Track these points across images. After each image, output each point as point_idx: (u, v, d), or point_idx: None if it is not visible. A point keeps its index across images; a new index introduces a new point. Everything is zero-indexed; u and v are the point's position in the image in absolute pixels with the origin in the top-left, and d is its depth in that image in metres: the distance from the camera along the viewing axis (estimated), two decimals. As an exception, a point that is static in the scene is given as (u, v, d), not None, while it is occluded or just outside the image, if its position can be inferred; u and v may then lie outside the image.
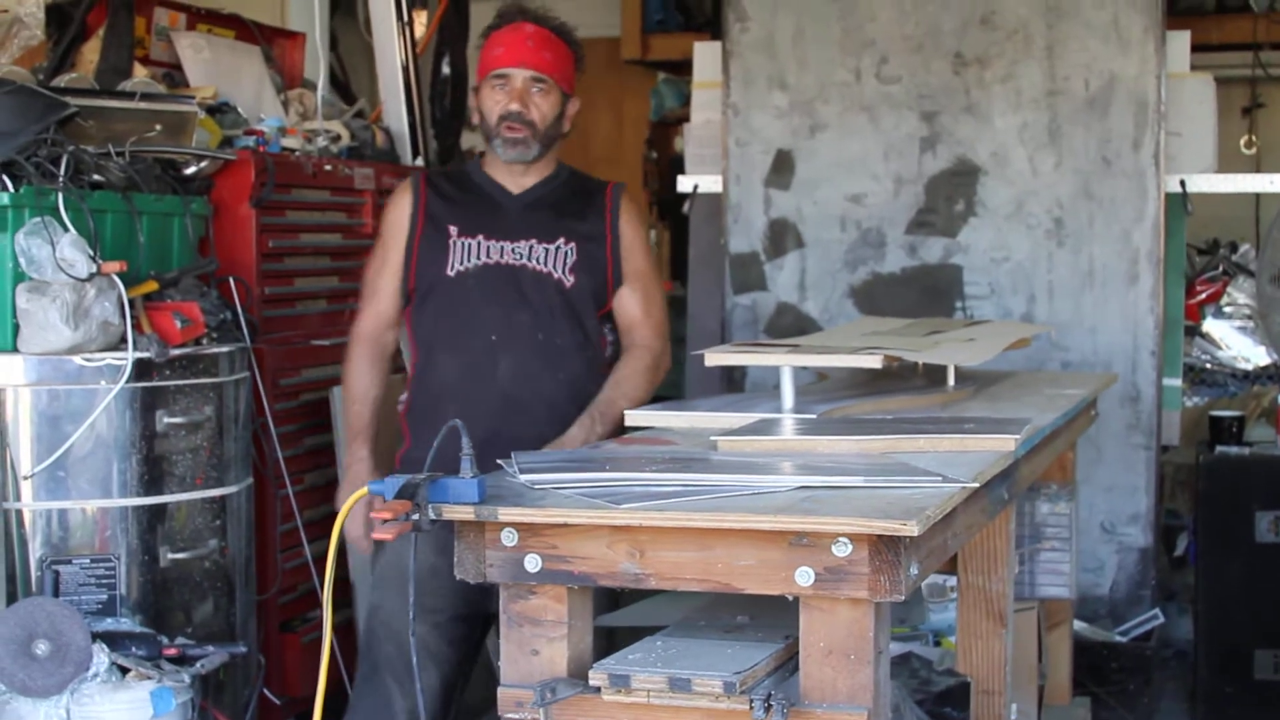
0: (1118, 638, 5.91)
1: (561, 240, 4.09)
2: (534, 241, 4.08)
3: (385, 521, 2.44)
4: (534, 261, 4.06)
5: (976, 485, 2.75)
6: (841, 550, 2.45)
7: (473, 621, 3.96)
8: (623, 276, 4.17)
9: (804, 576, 2.48)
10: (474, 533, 2.63)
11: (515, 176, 4.13)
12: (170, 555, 4.28)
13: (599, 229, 4.16)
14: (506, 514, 2.56)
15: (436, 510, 2.54)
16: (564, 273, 4.08)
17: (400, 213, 4.13)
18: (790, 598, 2.52)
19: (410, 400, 4.13)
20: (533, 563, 2.61)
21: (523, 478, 2.75)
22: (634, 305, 4.22)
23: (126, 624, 4.13)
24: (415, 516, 2.49)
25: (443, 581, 3.71)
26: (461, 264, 4.04)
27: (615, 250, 4.16)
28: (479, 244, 4.05)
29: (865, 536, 2.43)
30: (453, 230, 4.06)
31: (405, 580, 3.64)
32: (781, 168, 6.23)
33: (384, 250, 4.15)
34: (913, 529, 2.37)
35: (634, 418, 3.67)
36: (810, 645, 2.52)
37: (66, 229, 4.18)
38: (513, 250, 4.06)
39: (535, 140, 4.06)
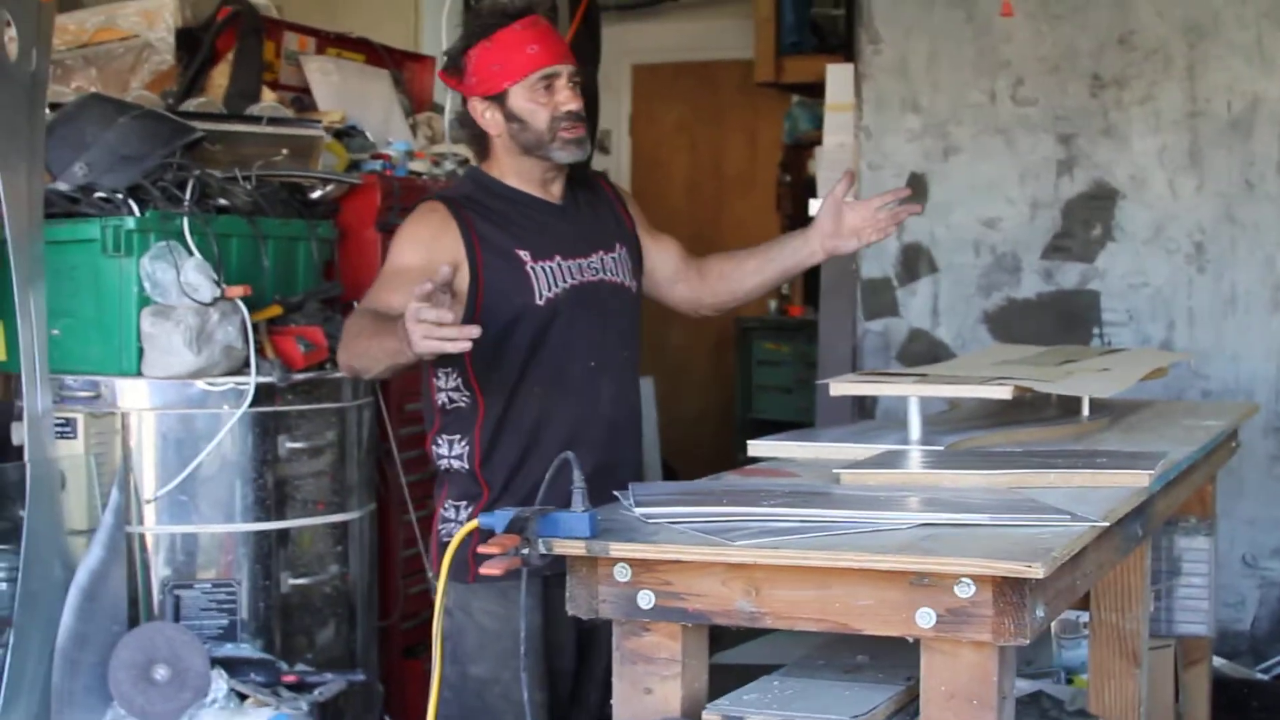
0: (1259, 676, 5.74)
1: (617, 245, 3.82)
2: (601, 253, 3.76)
3: (494, 556, 2.38)
4: (608, 274, 3.76)
5: (1107, 524, 2.65)
6: (964, 591, 2.35)
7: (576, 675, 3.74)
8: (644, 247, 3.93)
9: (925, 618, 2.39)
10: (586, 568, 2.56)
11: (545, 185, 3.73)
12: (291, 581, 4.27)
13: (622, 221, 3.90)
14: (619, 549, 2.50)
15: (547, 545, 2.48)
16: (630, 279, 3.83)
17: (445, 241, 3.57)
18: (911, 639, 2.44)
19: (484, 449, 3.63)
20: (646, 599, 2.54)
21: (637, 511, 2.69)
22: (674, 248, 4.02)
23: (246, 650, 4.12)
24: (525, 551, 2.43)
25: (551, 635, 3.62)
26: (549, 290, 3.63)
27: (636, 235, 3.91)
28: (558, 266, 3.66)
29: (989, 578, 2.34)
30: (524, 256, 3.62)
31: (514, 645, 3.53)
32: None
33: (408, 258, 3.56)
34: (1038, 571, 2.27)
35: (756, 448, 3.59)
36: (931, 689, 2.43)
37: (191, 253, 4.20)
38: (589, 267, 3.72)
39: (589, 137, 3.73)
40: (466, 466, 3.66)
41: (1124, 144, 5.91)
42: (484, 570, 2.38)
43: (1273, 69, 5.74)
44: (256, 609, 4.21)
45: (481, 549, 2.40)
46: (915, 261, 6.15)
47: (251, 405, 4.17)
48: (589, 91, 6.78)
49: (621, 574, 2.54)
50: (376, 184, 4.87)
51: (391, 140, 5.33)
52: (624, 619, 2.58)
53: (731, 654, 3.36)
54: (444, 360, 3.57)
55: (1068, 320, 5.99)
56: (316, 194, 4.76)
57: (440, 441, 3.71)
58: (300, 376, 4.27)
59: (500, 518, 2.47)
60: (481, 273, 3.57)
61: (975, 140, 6.07)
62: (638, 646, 2.60)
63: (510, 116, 3.63)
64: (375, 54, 5.79)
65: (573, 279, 3.68)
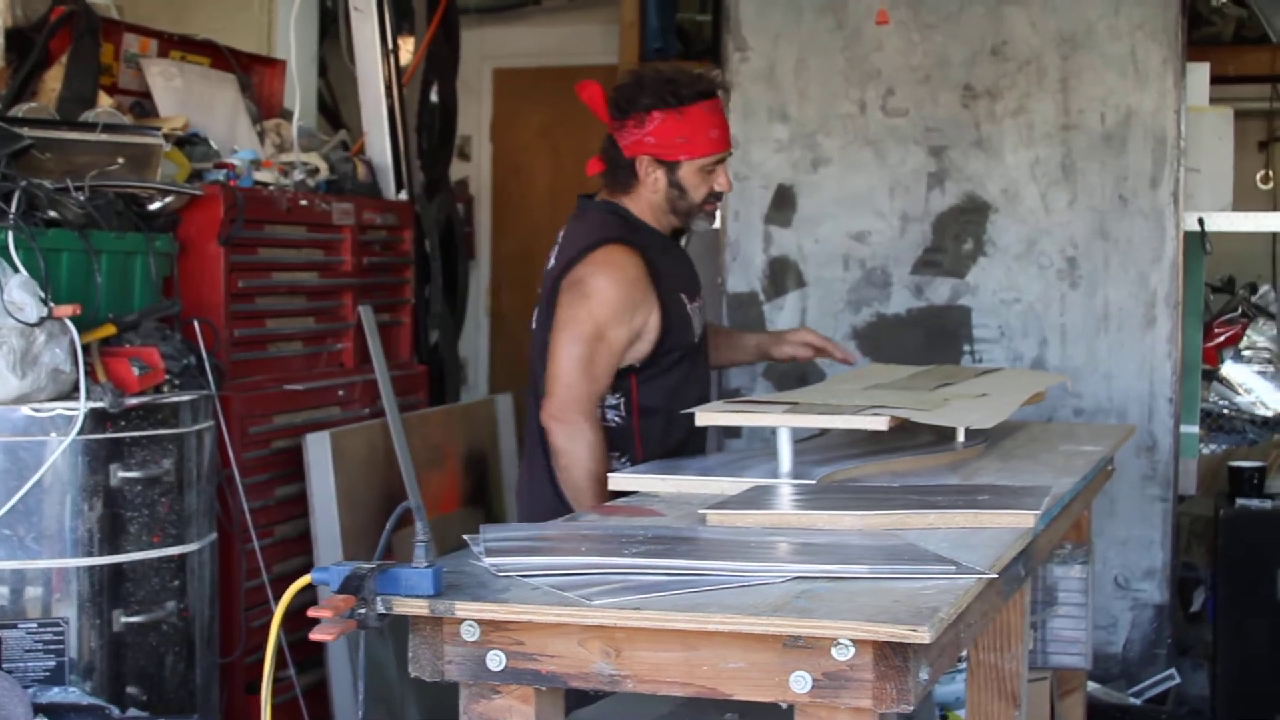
0: (1132, 700, 5.63)
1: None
2: (701, 297, 4.20)
3: (326, 620, 2.16)
4: (706, 315, 4.22)
5: (994, 576, 2.47)
6: (842, 654, 2.16)
7: None
8: None
9: (800, 682, 2.20)
10: (430, 626, 2.35)
11: (668, 228, 4.11)
12: (125, 618, 4.01)
13: None
14: (465, 609, 2.28)
15: (386, 604, 2.26)
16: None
17: (638, 286, 3.90)
18: (784, 705, 2.24)
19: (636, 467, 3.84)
20: (496, 660, 2.33)
21: (487, 561, 2.47)
22: None
23: (75, 694, 3.85)
24: (362, 611, 2.21)
25: None
26: (699, 329, 4.07)
27: None
28: (698, 308, 4.09)
29: (870, 641, 2.15)
30: (684, 297, 4.03)
31: None
32: (782, 204, 5.96)
33: (614, 327, 3.88)
34: (924, 635, 2.09)
35: (616, 481, 3.40)
36: (806, 759, 2.24)
37: (16, 269, 3.92)
38: (702, 309, 4.16)
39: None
40: None
41: (996, 157, 5.78)
42: (315, 636, 2.16)
43: (1146, 82, 5.63)
44: (86, 649, 3.94)
45: (313, 612, 2.17)
46: (782, 275, 5.98)
47: (81, 432, 3.90)
48: (447, 99, 6.60)
49: (469, 633, 2.33)
50: (218, 195, 4.62)
51: (237, 149, 5.07)
52: (472, 681, 2.37)
53: (588, 712, 3.15)
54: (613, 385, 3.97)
55: (938, 336, 5.85)
56: (155, 205, 4.50)
57: None
58: (134, 401, 4.01)
59: (335, 574, 2.25)
60: (663, 313, 3.93)
61: (845, 151, 5.91)
62: (487, 710, 2.39)
63: (674, 183, 4.00)
64: (221, 58, 5.52)
65: (703, 319, 4.16)
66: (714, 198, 4.06)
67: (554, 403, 3.87)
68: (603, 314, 3.86)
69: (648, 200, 4.03)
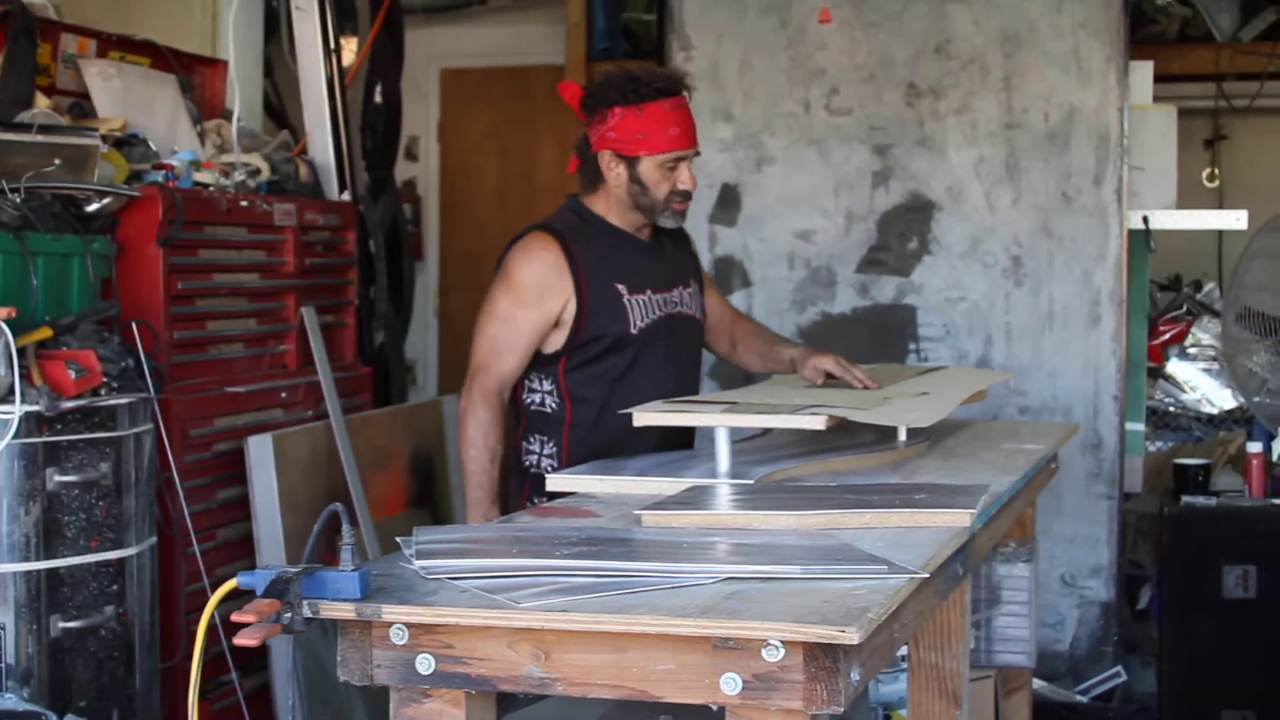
0: (1078, 698, 5.64)
1: (690, 281, 4.28)
2: (680, 288, 4.21)
3: (250, 625, 2.13)
4: (684, 307, 4.21)
5: (926, 575, 2.46)
6: (772, 655, 2.15)
7: None
8: (704, 288, 4.41)
9: (730, 684, 2.18)
10: (359, 629, 2.33)
11: (639, 229, 4.14)
12: (62, 624, 3.97)
13: (693, 258, 4.40)
14: (392, 612, 2.26)
15: (313, 607, 2.24)
16: (698, 311, 4.29)
17: (552, 271, 3.99)
18: (715, 707, 2.23)
19: (567, 457, 4.00)
20: (425, 664, 2.31)
21: (417, 564, 2.45)
22: (717, 302, 4.49)
23: (12, 700, 3.82)
24: (288, 616, 2.18)
25: None
26: (642, 321, 4.06)
27: (699, 272, 4.39)
28: (649, 299, 4.09)
29: (799, 642, 2.13)
30: (621, 289, 4.03)
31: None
32: (727, 203, 5.95)
33: (523, 309, 4.00)
34: (852, 636, 2.07)
35: (554, 482, 3.39)
36: (738, 761, 2.23)
37: (-51, 272, 3.89)
38: (671, 300, 4.15)
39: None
40: (555, 466, 4.02)
41: (940, 155, 5.78)
42: (239, 640, 2.13)
43: (1089, 80, 5.65)
44: (24, 655, 3.90)
45: (236, 616, 2.15)
46: (728, 274, 5.97)
47: (17, 436, 3.86)
48: (391, 99, 6.57)
49: (398, 636, 2.31)
50: (158, 196, 4.57)
51: (177, 149, 5.03)
52: (401, 685, 2.35)
53: (522, 715, 3.14)
54: (538, 366, 4.05)
55: (884, 335, 5.85)
56: (92, 207, 4.46)
57: (532, 440, 4.10)
58: (70, 404, 3.97)
59: (261, 578, 2.22)
60: (586, 301, 3.98)
61: (789, 150, 5.91)
62: (417, 714, 2.37)
63: (635, 179, 4.04)
64: (162, 58, 5.47)
65: (661, 310, 4.12)
66: (680, 195, 4.06)
67: (466, 376, 4.04)
68: (512, 296, 4.00)
69: (614, 196, 4.08)
